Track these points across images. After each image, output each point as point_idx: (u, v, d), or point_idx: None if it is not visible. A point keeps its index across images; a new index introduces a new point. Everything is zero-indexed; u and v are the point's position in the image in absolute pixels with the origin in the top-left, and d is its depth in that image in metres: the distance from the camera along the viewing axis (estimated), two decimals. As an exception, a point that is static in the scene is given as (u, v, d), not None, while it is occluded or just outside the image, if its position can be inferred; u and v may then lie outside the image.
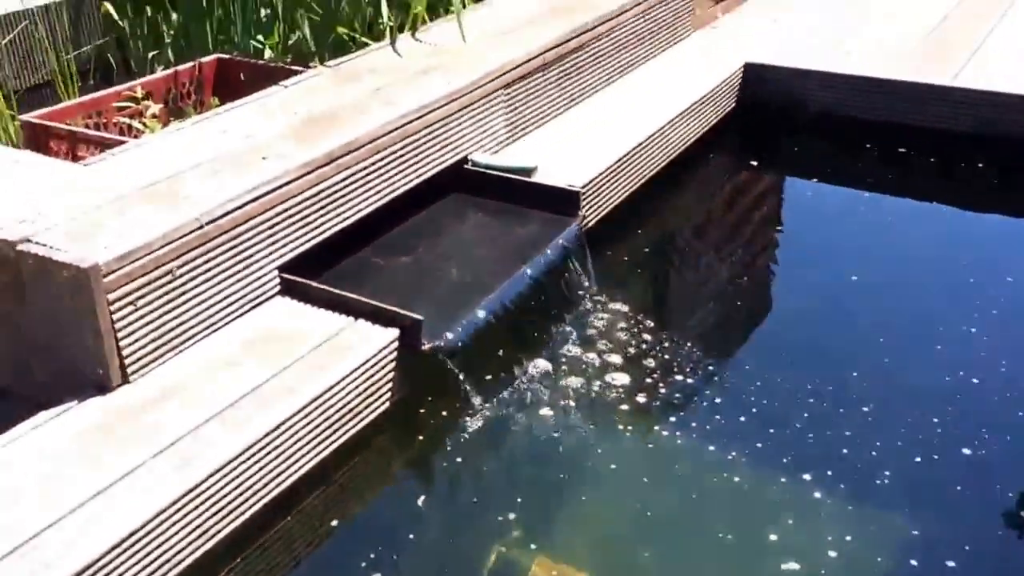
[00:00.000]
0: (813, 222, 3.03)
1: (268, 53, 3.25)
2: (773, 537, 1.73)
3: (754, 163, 3.31)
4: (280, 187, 2.02)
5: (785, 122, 3.37)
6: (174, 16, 3.32)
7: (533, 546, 1.72)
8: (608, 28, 3.12)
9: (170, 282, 1.82)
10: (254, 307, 2.01)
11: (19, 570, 1.38)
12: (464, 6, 3.15)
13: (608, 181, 2.65)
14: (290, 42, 3.29)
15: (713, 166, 3.23)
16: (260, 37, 3.26)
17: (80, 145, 2.42)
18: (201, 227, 1.86)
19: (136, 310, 1.76)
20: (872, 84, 3.26)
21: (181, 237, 1.82)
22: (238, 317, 1.97)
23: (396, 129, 2.32)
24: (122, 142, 2.29)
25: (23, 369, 1.84)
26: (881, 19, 3.85)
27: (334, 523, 1.80)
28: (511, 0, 3.27)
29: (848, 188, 3.14)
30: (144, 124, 2.63)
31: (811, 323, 2.42)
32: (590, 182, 2.53)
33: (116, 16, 3.32)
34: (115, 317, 1.73)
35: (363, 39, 3.08)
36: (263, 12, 3.32)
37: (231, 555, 1.66)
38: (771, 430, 1.99)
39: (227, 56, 3.04)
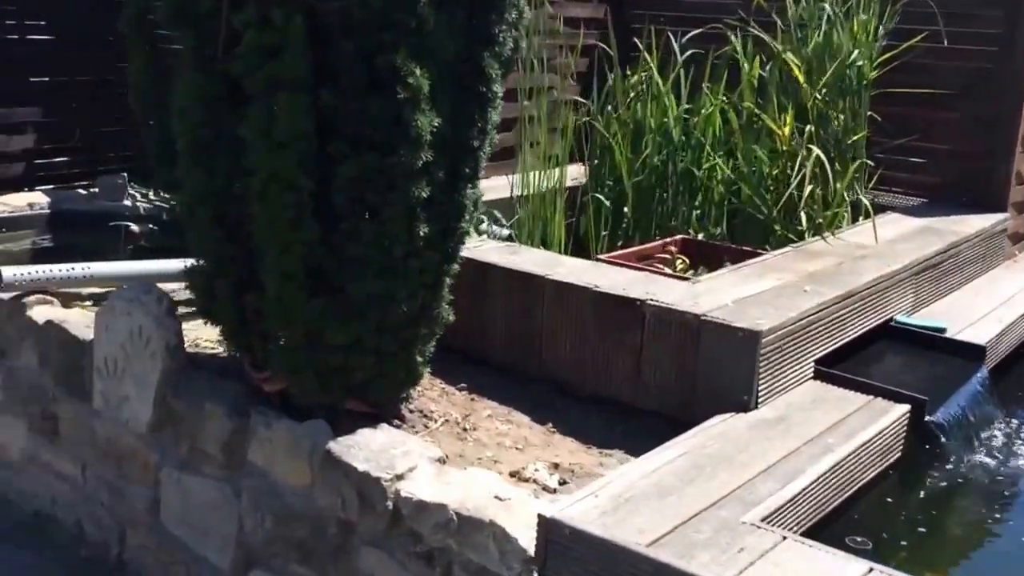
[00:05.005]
0: None
1: (699, 237, 4.48)
2: None
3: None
4: (822, 309, 3.15)
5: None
6: (625, 209, 4.61)
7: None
8: (965, 247, 4.25)
9: (778, 350, 2.93)
10: (799, 384, 3.09)
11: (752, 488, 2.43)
12: (859, 220, 4.34)
13: (996, 342, 3.69)
14: (715, 232, 4.52)
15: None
16: (695, 228, 4.51)
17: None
18: (796, 322, 2.99)
19: (768, 363, 2.87)
20: None
21: (785, 327, 2.95)
22: (797, 385, 3.06)
23: (866, 289, 3.45)
24: (683, 278, 3.49)
25: (684, 398, 2.95)
26: None
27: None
28: (888, 220, 4.47)
29: None
30: (676, 269, 3.83)
31: None
32: (989, 340, 3.59)
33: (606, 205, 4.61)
34: (760, 365, 2.83)
35: (789, 236, 4.27)
36: (694, 213, 4.58)
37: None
38: None
39: (688, 236, 4.29)
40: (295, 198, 2.46)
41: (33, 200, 5.37)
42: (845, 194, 4.39)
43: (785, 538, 2.13)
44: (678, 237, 4.27)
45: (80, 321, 3.31)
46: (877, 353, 3.56)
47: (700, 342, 2.90)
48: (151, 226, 5.39)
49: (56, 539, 3.42)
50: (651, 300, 3.01)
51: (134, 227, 5.36)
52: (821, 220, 4.30)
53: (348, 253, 2.59)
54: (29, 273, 3.46)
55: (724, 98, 4.46)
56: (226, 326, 2.86)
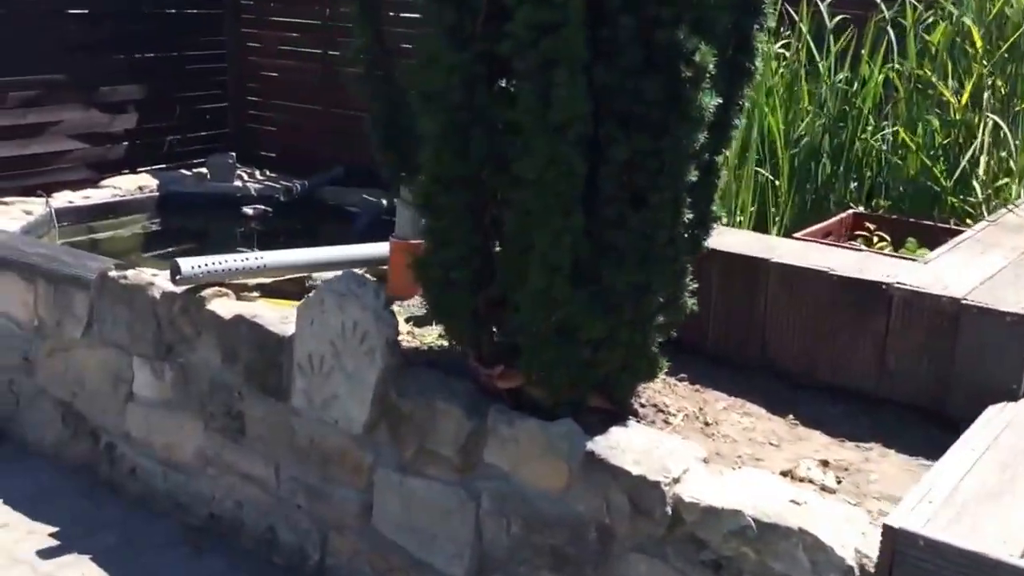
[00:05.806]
0: None
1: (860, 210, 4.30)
2: None
3: None
4: (1068, 289, 2.99)
5: None
6: (778, 183, 4.43)
7: None
8: None
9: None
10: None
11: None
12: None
13: None
14: (881, 205, 4.34)
15: None
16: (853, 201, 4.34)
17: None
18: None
19: (1031, 349, 2.71)
20: None
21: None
22: None
23: (1087, 264, 3.29)
24: (901, 256, 3.32)
25: (936, 386, 2.78)
26: None
27: None
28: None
29: None
30: (874, 246, 3.66)
31: None
32: None
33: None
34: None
35: (966, 208, 4.10)
36: (851, 186, 4.40)
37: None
38: None
39: (859, 211, 4.11)
40: (571, 184, 2.29)
41: (143, 183, 5.21)
42: (1013, 165, 4.22)
43: None
44: (850, 212, 4.09)
45: (271, 315, 3.14)
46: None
47: (959, 328, 2.73)
48: (265, 208, 5.24)
49: (237, 543, 3.27)
50: (898, 284, 2.84)
51: (248, 210, 5.20)
52: (990, 191, 4.12)
53: (607, 241, 2.43)
54: (205, 265, 3.29)
55: (897, 66, 4.26)
56: (457, 319, 2.70)
